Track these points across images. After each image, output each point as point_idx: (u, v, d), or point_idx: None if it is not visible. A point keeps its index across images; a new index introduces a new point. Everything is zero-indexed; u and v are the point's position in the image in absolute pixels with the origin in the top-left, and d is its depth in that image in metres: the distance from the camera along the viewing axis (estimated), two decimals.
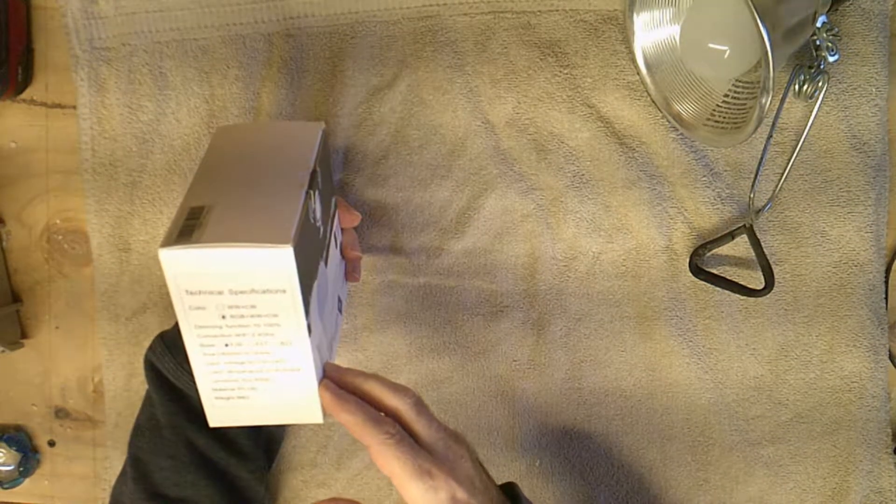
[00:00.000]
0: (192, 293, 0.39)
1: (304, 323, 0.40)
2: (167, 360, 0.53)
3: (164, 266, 0.38)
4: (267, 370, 0.42)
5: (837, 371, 0.57)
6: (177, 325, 0.55)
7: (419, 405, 0.44)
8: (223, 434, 0.54)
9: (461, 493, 0.42)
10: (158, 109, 0.59)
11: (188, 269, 0.38)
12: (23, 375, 0.63)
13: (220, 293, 0.39)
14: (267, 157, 0.44)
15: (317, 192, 0.44)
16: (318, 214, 0.44)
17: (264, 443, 0.57)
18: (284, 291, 0.39)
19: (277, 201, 0.41)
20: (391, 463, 0.41)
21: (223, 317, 0.39)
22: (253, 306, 0.39)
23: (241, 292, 0.39)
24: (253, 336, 0.40)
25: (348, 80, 0.58)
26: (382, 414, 0.43)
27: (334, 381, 0.44)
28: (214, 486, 0.53)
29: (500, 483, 0.46)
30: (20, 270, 0.63)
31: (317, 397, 0.43)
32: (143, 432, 0.54)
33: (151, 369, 0.54)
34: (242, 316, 0.40)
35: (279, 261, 0.38)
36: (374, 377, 0.45)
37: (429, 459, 0.42)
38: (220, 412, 0.43)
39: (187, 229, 0.38)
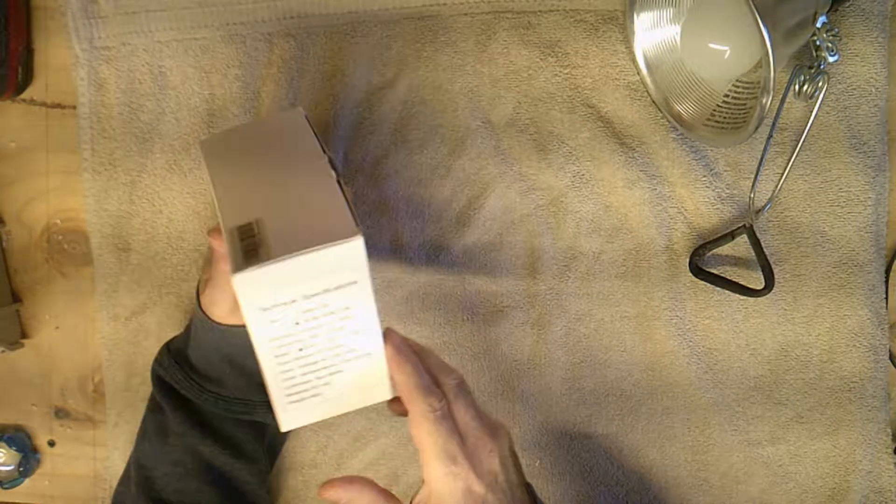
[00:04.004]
0: (266, 309, 0.38)
1: (375, 307, 0.40)
2: (175, 371, 0.53)
3: (238, 291, 0.37)
4: (339, 363, 0.42)
5: (837, 371, 0.57)
6: (183, 334, 0.55)
7: (462, 388, 0.44)
8: (229, 439, 0.54)
9: (478, 487, 0.42)
10: (158, 109, 0.59)
11: (263, 288, 0.38)
12: (23, 375, 0.63)
13: (294, 301, 0.38)
14: (274, 157, 0.44)
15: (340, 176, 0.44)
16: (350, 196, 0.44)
17: (267, 445, 0.58)
18: (356, 282, 0.39)
19: (317, 197, 0.40)
20: (423, 436, 0.42)
21: (297, 323, 0.39)
22: (325, 305, 0.39)
23: (315, 295, 0.39)
24: (326, 333, 0.40)
25: (348, 80, 0.58)
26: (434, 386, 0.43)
27: (395, 343, 0.44)
28: (219, 493, 0.53)
29: None
30: (20, 270, 0.63)
31: (387, 375, 0.43)
32: (150, 438, 0.54)
33: (160, 381, 0.54)
34: (316, 318, 0.39)
35: (352, 253, 0.38)
36: (431, 352, 0.45)
37: (458, 446, 0.42)
38: (293, 415, 0.43)
39: (250, 249, 0.38)
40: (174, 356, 0.54)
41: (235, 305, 0.48)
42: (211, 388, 0.53)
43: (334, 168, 0.43)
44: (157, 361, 0.55)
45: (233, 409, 0.53)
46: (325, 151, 0.44)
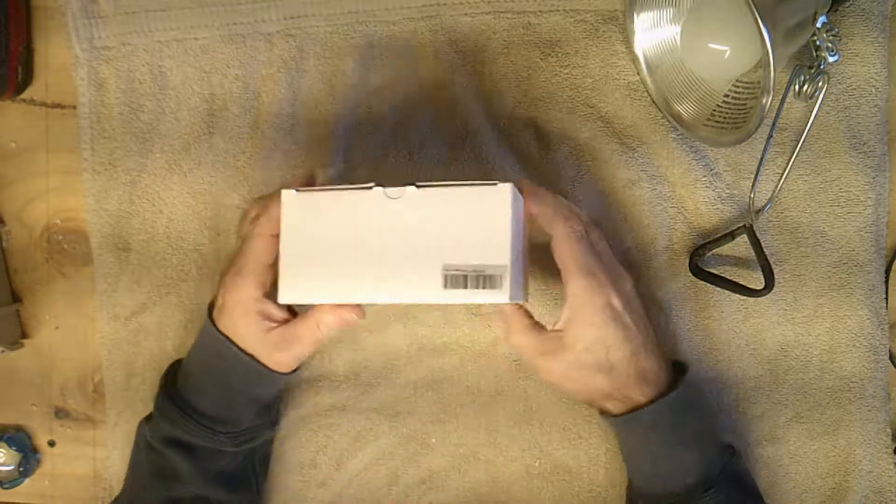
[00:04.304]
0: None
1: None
2: (185, 422, 0.51)
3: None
4: None
5: (837, 371, 0.57)
6: (183, 383, 0.53)
7: (591, 222, 0.50)
8: (231, 475, 0.54)
9: (616, 302, 0.47)
10: (158, 109, 0.59)
11: None
12: (23, 375, 0.63)
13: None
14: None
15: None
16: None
17: (260, 457, 0.57)
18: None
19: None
20: (566, 255, 0.46)
21: None
22: None
23: None
24: None
25: (348, 80, 0.58)
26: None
27: (529, 184, 0.49)
28: None
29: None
30: (20, 270, 0.63)
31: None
32: (143, 480, 0.53)
33: (165, 438, 0.52)
34: None
35: None
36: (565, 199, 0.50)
37: (598, 263, 0.47)
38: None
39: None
40: (179, 407, 0.52)
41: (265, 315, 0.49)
42: (223, 428, 0.52)
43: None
44: (163, 416, 0.52)
45: (243, 442, 0.53)
46: None
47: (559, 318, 0.48)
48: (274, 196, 0.48)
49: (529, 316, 0.49)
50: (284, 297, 0.45)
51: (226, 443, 0.52)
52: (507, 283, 0.43)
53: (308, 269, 0.45)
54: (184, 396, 0.52)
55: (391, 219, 0.44)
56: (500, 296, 0.43)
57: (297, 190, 0.45)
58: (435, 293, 0.44)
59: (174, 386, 0.53)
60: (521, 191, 0.47)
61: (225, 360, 0.51)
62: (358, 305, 0.48)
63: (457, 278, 0.43)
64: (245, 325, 0.49)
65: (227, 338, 0.50)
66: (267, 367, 0.50)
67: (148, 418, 0.54)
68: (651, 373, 0.48)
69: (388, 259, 0.44)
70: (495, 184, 0.43)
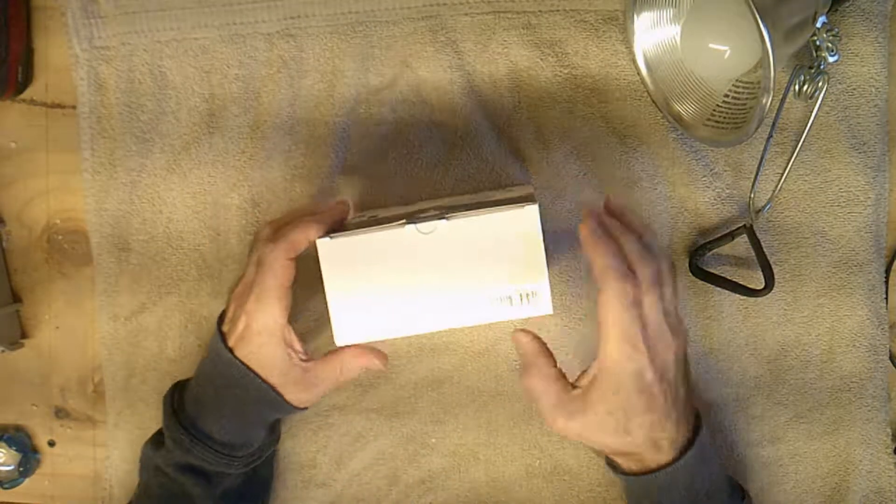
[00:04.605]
0: None
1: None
2: (201, 451, 0.50)
3: None
4: None
5: (837, 371, 0.57)
6: (193, 409, 0.52)
7: (656, 281, 0.45)
8: (224, 499, 0.53)
9: (649, 374, 0.44)
10: (158, 109, 0.59)
11: None
12: (23, 375, 0.63)
13: None
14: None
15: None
16: None
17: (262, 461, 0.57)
18: None
19: None
20: (610, 317, 0.44)
21: None
22: None
23: None
24: None
25: (348, 80, 0.58)
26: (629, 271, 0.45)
27: (596, 216, 0.47)
28: None
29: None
30: (20, 270, 0.63)
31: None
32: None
33: (179, 466, 0.51)
34: None
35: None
36: (634, 234, 0.46)
37: (640, 333, 0.44)
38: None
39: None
40: (192, 434, 0.50)
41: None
42: (237, 453, 0.52)
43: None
44: (174, 443, 0.51)
45: (252, 462, 0.53)
46: None
47: (586, 373, 0.47)
48: (290, 221, 0.49)
49: (553, 363, 0.48)
50: (340, 339, 0.47)
51: (238, 465, 0.52)
52: (547, 297, 0.46)
53: (357, 310, 0.47)
54: (196, 423, 0.51)
55: (428, 252, 0.46)
56: (542, 309, 0.46)
57: (332, 237, 0.47)
58: (483, 314, 0.47)
59: (183, 411, 0.52)
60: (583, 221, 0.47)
61: (243, 390, 0.50)
62: (382, 353, 0.51)
63: (501, 299, 0.46)
64: (270, 355, 0.49)
65: (246, 366, 0.49)
66: (286, 400, 0.50)
67: (154, 443, 0.53)
68: (668, 441, 0.46)
69: (432, 288, 0.47)
70: (522, 206, 0.45)
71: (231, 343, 0.50)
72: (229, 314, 0.51)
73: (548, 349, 0.49)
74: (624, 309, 0.43)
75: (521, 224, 0.45)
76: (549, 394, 0.47)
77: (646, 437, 0.45)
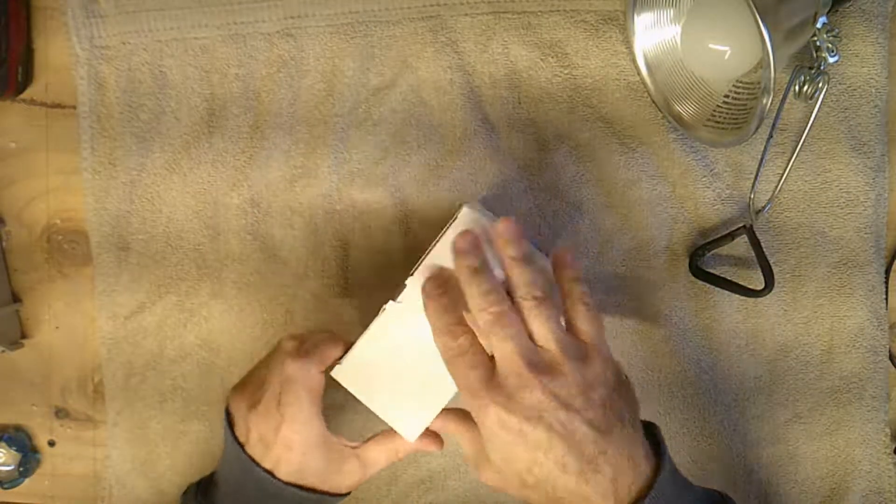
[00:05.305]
0: None
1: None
2: None
3: None
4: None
5: (837, 371, 0.57)
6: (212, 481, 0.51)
7: (545, 304, 0.42)
8: None
9: (513, 420, 0.40)
10: (158, 109, 0.59)
11: None
12: (23, 375, 0.63)
13: None
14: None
15: None
16: None
17: None
18: None
19: None
20: (452, 376, 0.42)
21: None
22: None
23: None
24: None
25: (348, 81, 0.58)
26: (460, 318, 0.43)
27: (429, 286, 0.45)
28: None
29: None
30: (20, 270, 0.63)
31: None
32: None
33: None
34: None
35: None
36: (524, 255, 0.43)
37: (479, 379, 0.41)
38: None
39: None
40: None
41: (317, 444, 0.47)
42: None
43: None
44: None
45: None
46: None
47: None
48: (312, 339, 0.49)
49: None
50: (412, 437, 0.49)
51: None
52: None
53: (404, 405, 0.48)
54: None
55: (414, 319, 0.47)
56: None
57: (340, 362, 0.48)
58: None
59: None
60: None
61: (276, 498, 0.47)
62: (438, 437, 0.51)
63: None
64: (320, 467, 0.47)
65: (296, 485, 0.47)
66: (325, 493, 0.48)
67: None
68: (613, 486, 0.40)
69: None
70: (455, 216, 0.47)
71: (269, 465, 0.46)
72: (253, 433, 0.47)
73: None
74: (451, 365, 0.42)
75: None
76: (464, 437, 0.47)
77: (567, 483, 0.39)
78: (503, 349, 0.41)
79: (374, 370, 0.48)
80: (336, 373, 0.48)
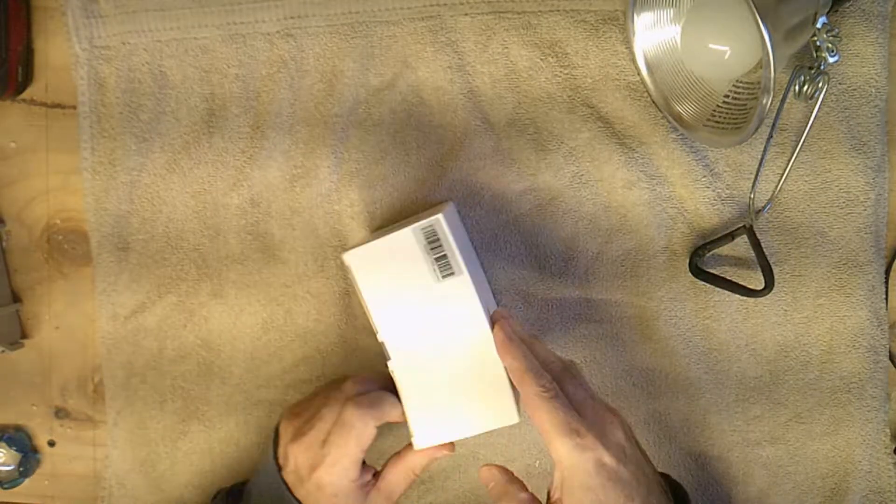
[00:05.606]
0: None
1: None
2: None
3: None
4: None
5: (837, 371, 0.57)
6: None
7: (568, 371, 0.46)
8: None
9: (608, 459, 0.41)
10: (158, 108, 0.59)
11: None
12: (23, 375, 0.63)
13: None
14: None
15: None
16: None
17: None
18: None
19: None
20: (542, 416, 0.42)
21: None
22: None
23: None
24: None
25: (348, 81, 0.58)
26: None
27: (508, 323, 0.47)
28: None
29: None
30: (20, 270, 0.63)
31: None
32: None
33: None
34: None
35: None
36: (537, 339, 0.48)
37: (578, 419, 0.42)
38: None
39: None
40: None
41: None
42: None
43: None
44: None
45: None
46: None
47: (553, 483, 0.45)
48: (381, 394, 0.51)
49: (523, 487, 0.46)
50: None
51: None
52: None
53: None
54: None
55: (416, 357, 0.50)
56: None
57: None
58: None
59: None
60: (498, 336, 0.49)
61: None
62: (451, 442, 0.51)
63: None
64: (346, 501, 0.49)
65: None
66: None
67: None
68: None
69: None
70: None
71: (300, 495, 0.49)
72: (290, 462, 0.49)
73: (514, 476, 0.47)
74: (549, 403, 0.43)
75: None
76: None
77: None
78: (581, 390, 0.45)
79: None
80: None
